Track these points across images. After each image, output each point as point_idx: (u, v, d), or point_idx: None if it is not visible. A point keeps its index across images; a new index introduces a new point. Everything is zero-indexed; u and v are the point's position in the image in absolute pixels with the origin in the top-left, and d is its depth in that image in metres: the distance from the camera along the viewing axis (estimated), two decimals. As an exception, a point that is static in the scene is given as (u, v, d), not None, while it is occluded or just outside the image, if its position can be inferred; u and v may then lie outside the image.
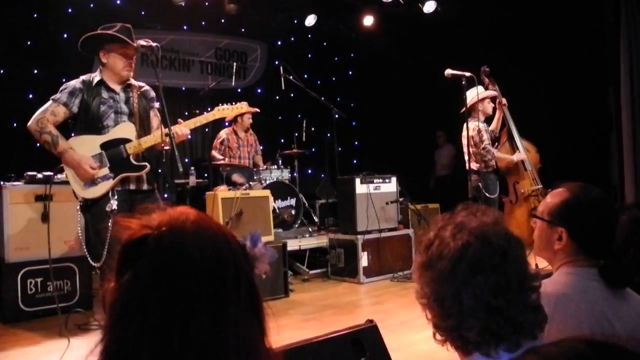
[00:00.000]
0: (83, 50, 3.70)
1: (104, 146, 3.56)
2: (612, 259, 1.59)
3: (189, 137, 3.84)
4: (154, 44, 3.53)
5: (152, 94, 3.84)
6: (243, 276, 0.80)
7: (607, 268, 1.58)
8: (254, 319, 0.81)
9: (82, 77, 3.67)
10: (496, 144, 6.10)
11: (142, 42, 3.55)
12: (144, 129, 3.69)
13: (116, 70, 3.61)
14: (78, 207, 3.60)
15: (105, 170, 3.54)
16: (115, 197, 3.50)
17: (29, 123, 3.56)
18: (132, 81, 3.74)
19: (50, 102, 3.58)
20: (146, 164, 3.63)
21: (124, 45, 3.57)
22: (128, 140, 3.60)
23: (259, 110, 6.81)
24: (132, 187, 3.65)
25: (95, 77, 3.65)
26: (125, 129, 3.62)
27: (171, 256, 0.75)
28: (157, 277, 0.74)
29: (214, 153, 6.95)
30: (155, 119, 3.78)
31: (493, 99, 5.89)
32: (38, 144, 6.09)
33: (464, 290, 1.06)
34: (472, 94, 5.53)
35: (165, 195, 3.74)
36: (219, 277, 0.76)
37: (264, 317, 0.85)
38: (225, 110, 4.02)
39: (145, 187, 3.70)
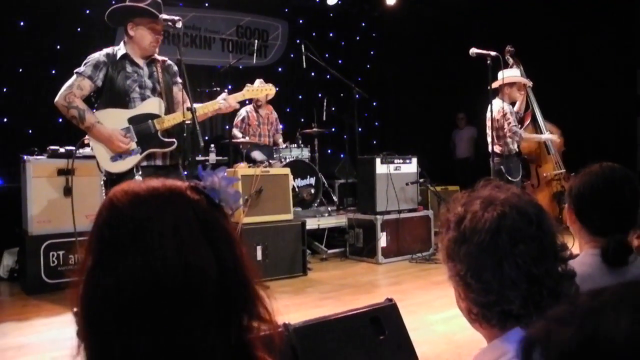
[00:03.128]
0: (110, 22, 3.67)
1: (131, 120, 3.55)
2: (609, 240, 1.59)
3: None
4: (176, 18, 3.49)
5: (175, 68, 3.82)
6: (183, 226, 0.83)
7: (603, 250, 1.59)
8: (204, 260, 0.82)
9: (106, 50, 3.65)
10: (519, 125, 6.00)
11: (165, 16, 3.52)
12: (167, 104, 3.67)
13: (143, 44, 3.59)
14: (102, 182, 3.62)
15: (133, 145, 3.54)
16: (140, 172, 3.51)
17: (56, 99, 3.53)
18: (156, 55, 3.72)
19: (74, 76, 3.56)
20: (174, 140, 3.62)
21: (153, 19, 3.53)
22: (156, 116, 3.59)
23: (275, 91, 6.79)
24: (159, 162, 3.66)
25: (120, 50, 3.62)
26: (154, 104, 3.61)
27: (108, 209, 0.86)
28: (96, 225, 0.85)
29: (235, 131, 6.95)
30: (179, 94, 3.76)
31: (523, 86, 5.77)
32: (60, 119, 6.20)
33: (506, 260, 1.02)
34: (508, 74, 5.45)
35: (185, 173, 3.74)
36: (145, 228, 0.82)
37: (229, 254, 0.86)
38: (254, 91, 4.02)
39: (169, 162, 3.70)
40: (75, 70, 3.57)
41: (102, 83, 3.56)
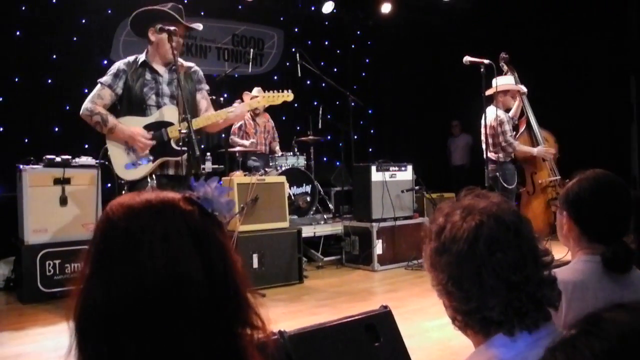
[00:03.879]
0: (133, 29, 3.70)
1: (146, 128, 3.57)
2: (613, 246, 1.59)
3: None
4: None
5: (201, 74, 3.80)
6: (173, 235, 0.85)
7: (608, 256, 1.59)
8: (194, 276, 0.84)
9: (129, 58, 3.70)
10: (514, 132, 6.03)
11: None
12: (189, 111, 3.56)
13: (164, 48, 3.58)
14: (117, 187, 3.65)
15: (146, 153, 3.56)
16: (154, 181, 3.53)
17: (82, 110, 3.61)
18: (181, 61, 3.70)
19: (98, 85, 3.64)
20: (186, 149, 3.53)
21: (175, 24, 3.54)
22: (170, 124, 3.59)
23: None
24: (171, 172, 3.64)
25: (141, 57, 3.67)
26: (169, 112, 3.61)
27: (104, 222, 0.88)
28: (93, 237, 0.88)
29: (234, 139, 6.96)
30: (203, 101, 3.74)
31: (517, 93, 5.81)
32: (56, 128, 6.22)
33: (484, 268, 1.04)
34: (501, 81, 5.49)
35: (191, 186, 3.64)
36: (136, 240, 0.84)
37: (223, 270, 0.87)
38: (270, 98, 4.01)
39: (182, 172, 3.63)
40: (98, 80, 3.65)
41: (122, 91, 3.61)
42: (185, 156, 3.59)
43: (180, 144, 3.55)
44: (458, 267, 1.07)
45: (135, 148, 3.57)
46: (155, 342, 0.80)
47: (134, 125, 3.57)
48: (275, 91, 4.05)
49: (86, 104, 3.60)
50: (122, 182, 3.61)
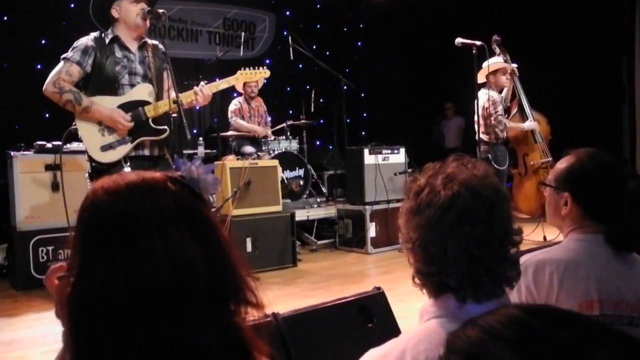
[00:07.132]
0: (96, 19, 3.51)
1: (121, 108, 3.42)
2: (618, 224, 1.58)
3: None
4: (161, 11, 3.43)
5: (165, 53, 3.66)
6: (167, 218, 0.83)
7: (613, 234, 1.58)
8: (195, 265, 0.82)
9: (94, 34, 3.50)
10: (506, 114, 6.04)
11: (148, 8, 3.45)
12: (158, 90, 3.53)
13: (131, 19, 3.42)
14: (87, 175, 3.52)
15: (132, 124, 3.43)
16: (128, 163, 3.40)
17: (45, 87, 3.40)
18: (147, 39, 3.59)
19: (62, 62, 3.42)
20: (166, 127, 3.49)
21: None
22: (147, 103, 3.47)
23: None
24: (146, 152, 3.53)
25: (109, 34, 3.48)
26: (144, 91, 3.49)
27: (89, 209, 0.84)
28: (79, 226, 0.84)
29: (237, 120, 6.92)
30: (167, 80, 3.61)
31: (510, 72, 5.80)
32: (47, 114, 6.16)
33: (450, 238, 1.07)
34: (489, 62, 5.48)
35: (174, 166, 3.62)
36: (130, 227, 0.81)
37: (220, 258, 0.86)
38: (247, 75, 3.96)
39: (156, 152, 3.58)
40: (62, 56, 3.45)
41: (91, 69, 3.43)
42: (163, 135, 3.52)
43: (172, 127, 3.47)
44: (427, 231, 1.10)
45: (110, 128, 3.41)
46: (158, 331, 0.78)
47: (107, 105, 3.41)
48: (251, 68, 4.01)
49: (52, 81, 3.38)
50: (94, 166, 3.43)
